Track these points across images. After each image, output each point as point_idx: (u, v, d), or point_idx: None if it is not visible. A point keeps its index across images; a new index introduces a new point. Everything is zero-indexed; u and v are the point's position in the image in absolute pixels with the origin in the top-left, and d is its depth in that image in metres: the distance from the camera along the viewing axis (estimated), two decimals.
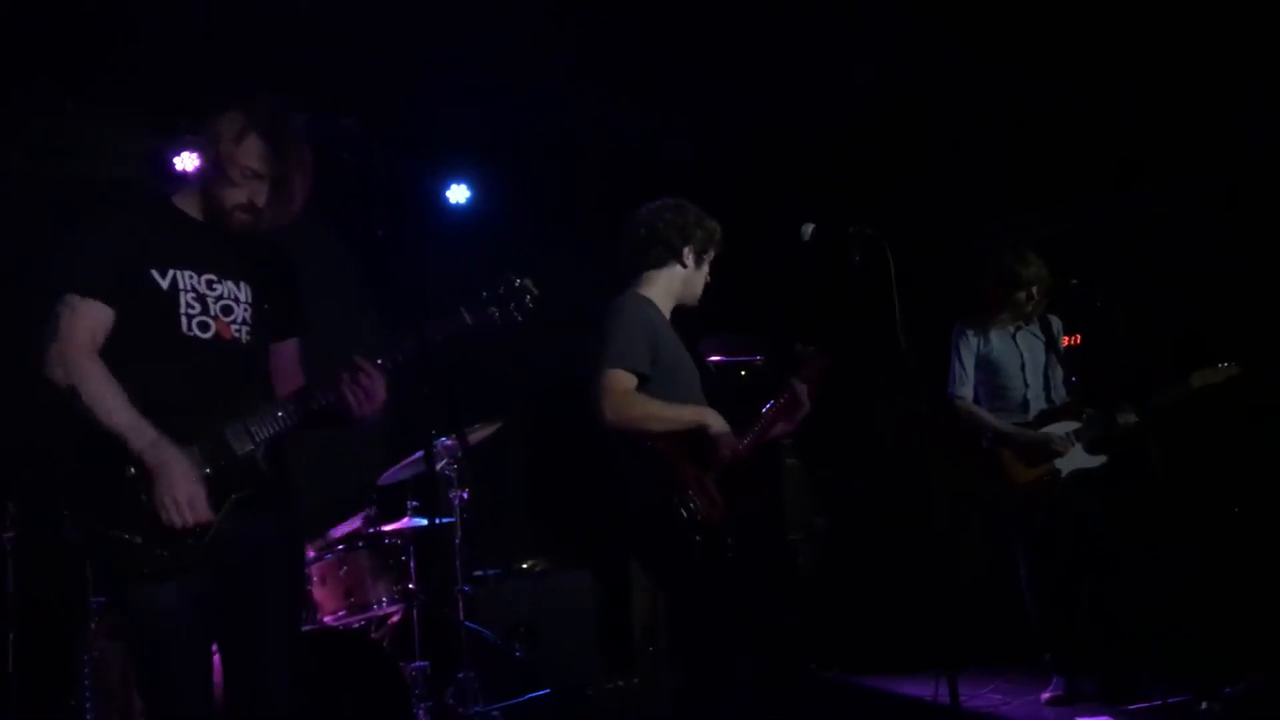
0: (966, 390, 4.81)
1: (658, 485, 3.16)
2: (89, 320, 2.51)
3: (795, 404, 3.39)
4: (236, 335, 2.64)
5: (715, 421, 3.24)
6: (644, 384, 3.23)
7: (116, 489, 2.44)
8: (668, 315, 3.44)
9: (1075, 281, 4.64)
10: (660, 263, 3.44)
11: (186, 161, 4.84)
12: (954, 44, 5.32)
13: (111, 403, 2.45)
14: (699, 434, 3.21)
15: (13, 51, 4.75)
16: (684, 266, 3.45)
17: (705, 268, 3.50)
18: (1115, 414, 4.59)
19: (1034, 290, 4.71)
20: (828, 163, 5.74)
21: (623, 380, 3.19)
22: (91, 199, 4.69)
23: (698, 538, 3.11)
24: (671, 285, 3.46)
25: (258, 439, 2.56)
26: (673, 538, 3.13)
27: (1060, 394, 4.77)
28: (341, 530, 4.74)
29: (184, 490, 2.43)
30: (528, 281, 2.72)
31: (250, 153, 2.59)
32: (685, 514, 3.10)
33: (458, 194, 6.20)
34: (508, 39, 5.07)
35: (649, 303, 3.39)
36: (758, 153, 5.99)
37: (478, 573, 5.21)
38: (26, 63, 4.85)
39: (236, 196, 2.61)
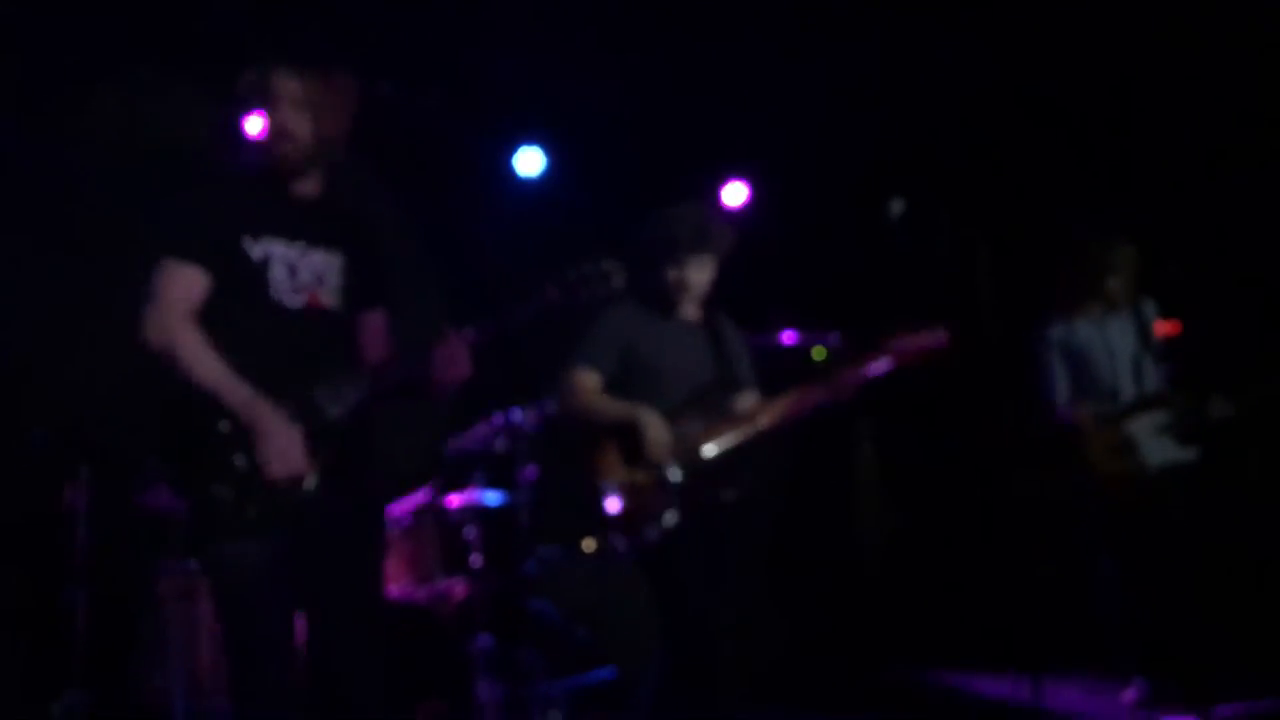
0: (1060, 393, 4.61)
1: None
2: (184, 284, 2.55)
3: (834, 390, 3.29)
4: (326, 303, 2.66)
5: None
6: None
7: (208, 444, 2.47)
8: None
9: (1173, 267, 4.46)
10: None
11: (254, 125, 4.82)
12: (1051, 28, 5.14)
13: (207, 363, 2.50)
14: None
15: (88, 22, 4.76)
16: None
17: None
18: (1210, 403, 4.38)
19: (1120, 276, 4.52)
20: (918, 144, 5.57)
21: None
22: (180, 166, 4.75)
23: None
24: None
25: (346, 404, 2.57)
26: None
27: (1153, 383, 4.57)
28: (408, 504, 4.69)
29: (281, 441, 2.46)
30: (614, 264, 2.74)
31: (282, 83, 2.61)
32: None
33: (529, 162, 5.83)
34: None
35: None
36: (849, 130, 5.82)
37: (542, 550, 5.15)
38: (103, 33, 4.86)
39: (274, 126, 2.62)
